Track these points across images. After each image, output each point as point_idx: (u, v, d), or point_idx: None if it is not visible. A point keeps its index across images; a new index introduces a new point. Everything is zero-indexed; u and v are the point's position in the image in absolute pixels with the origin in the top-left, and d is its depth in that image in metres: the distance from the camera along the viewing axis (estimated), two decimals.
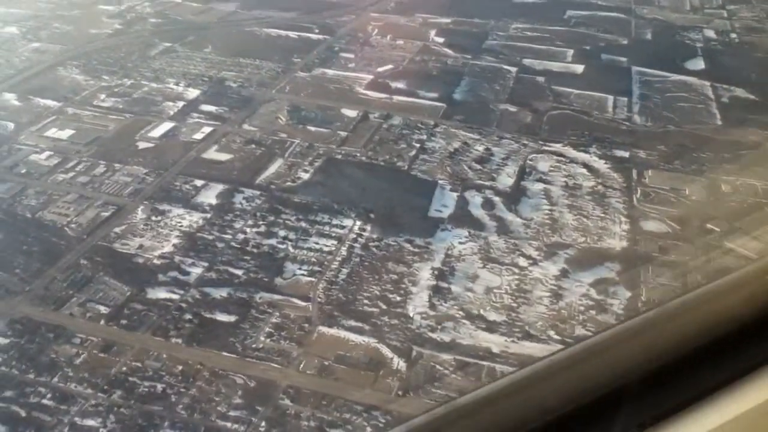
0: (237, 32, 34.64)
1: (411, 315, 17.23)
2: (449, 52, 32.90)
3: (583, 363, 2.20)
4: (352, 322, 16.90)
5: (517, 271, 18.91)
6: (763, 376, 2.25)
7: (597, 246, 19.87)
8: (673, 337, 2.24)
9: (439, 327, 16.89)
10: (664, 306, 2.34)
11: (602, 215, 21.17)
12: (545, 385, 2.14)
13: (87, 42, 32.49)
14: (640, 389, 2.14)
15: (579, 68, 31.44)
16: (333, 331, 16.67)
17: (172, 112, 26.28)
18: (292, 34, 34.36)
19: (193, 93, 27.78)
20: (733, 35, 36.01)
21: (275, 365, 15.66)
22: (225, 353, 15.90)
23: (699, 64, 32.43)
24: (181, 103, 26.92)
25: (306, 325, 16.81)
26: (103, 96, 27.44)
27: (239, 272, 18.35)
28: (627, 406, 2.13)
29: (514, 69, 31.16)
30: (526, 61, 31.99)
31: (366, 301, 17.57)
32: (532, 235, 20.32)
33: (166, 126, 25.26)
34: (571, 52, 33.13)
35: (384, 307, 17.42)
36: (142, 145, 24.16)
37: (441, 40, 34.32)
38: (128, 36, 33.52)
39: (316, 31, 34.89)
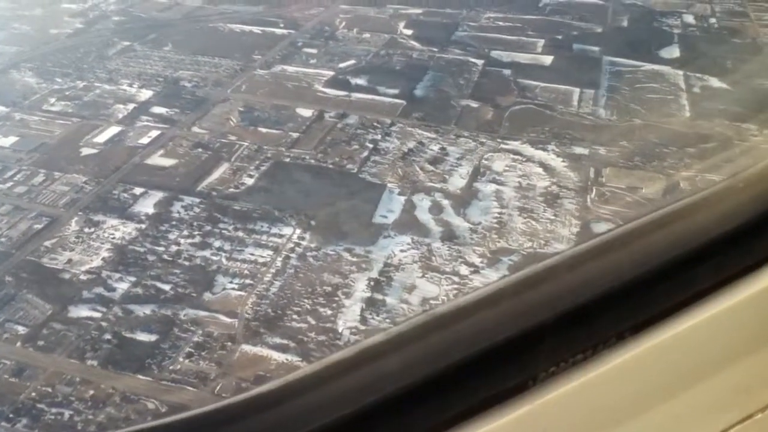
0: (200, 29, 33.86)
1: (340, 330, 16.57)
2: (416, 44, 31.98)
3: (577, 267, 2.21)
4: (278, 340, 16.25)
5: (457, 279, 18.17)
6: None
7: (543, 251, 19.09)
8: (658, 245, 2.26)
9: None
10: (661, 210, 2.36)
11: (552, 218, 20.36)
12: (534, 292, 2.15)
13: (45, 43, 31.81)
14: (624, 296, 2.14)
15: (548, 59, 30.43)
16: (256, 349, 16.02)
17: (121, 116, 25.59)
18: (256, 29, 33.50)
19: (145, 94, 27.07)
20: (713, 20, 34.80)
21: (190, 388, 15.06)
22: (140, 376, 15.31)
23: (674, 52, 31.33)
24: (131, 106, 26.23)
25: (229, 343, 16.17)
26: (53, 100, 26.79)
27: (167, 287, 17.71)
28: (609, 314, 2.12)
29: (480, 62, 30.19)
30: (494, 53, 31.00)
31: (295, 316, 16.91)
32: (478, 241, 19.54)
33: (113, 130, 24.58)
34: (541, 42, 32.08)
35: (313, 322, 16.75)
36: (85, 151, 23.52)
37: (409, 32, 33.38)
38: (88, 35, 32.81)
39: (281, 25, 34.00)
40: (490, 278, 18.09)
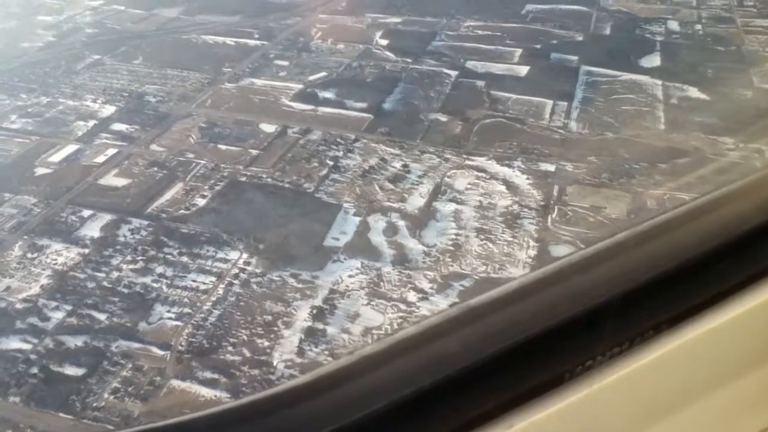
0: (173, 41, 33.36)
1: (275, 363, 15.92)
2: (390, 55, 31.32)
3: (599, 264, 2.17)
4: (209, 374, 15.62)
5: (403, 307, 17.48)
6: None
7: (496, 276, 18.35)
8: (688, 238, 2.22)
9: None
10: (687, 205, 2.34)
11: (510, 239, 19.62)
12: (569, 284, 2.11)
13: (15, 57, 31.42)
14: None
15: (523, 70, 29.66)
16: (185, 384, 15.39)
17: (80, 133, 25.10)
18: (230, 40, 32.96)
19: (108, 110, 26.57)
20: (698, 27, 33.90)
21: (111, 427, 14.47)
22: (61, 414, 14.72)
23: (655, 60, 30.49)
24: (92, 123, 25.73)
25: (158, 378, 15.55)
26: (14, 117, 26.36)
27: (102, 317, 17.14)
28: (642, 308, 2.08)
29: (454, 73, 29.48)
30: (470, 64, 30.29)
31: (230, 348, 16.29)
32: (430, 265, 18.84)
33: (70, 149, 24.08)
34: (519, 51, 31.33)
35: (248, 354, 16.12)
36: (40, 171, 23.02)
37: (385, 42, 32.73)
38: (59, 49, 32.38)
39: (256, 36, 33.44)
40: (438, 305, 17.40)
